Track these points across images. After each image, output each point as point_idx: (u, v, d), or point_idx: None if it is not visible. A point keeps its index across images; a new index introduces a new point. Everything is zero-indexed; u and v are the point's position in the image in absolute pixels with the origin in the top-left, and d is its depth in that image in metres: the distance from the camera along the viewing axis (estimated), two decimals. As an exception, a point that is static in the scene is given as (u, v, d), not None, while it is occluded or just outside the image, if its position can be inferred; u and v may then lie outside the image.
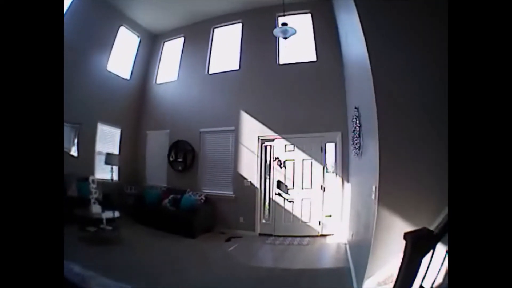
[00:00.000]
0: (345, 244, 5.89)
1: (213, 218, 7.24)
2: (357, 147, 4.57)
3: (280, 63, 7.28)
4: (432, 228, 2.88)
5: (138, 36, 8.68)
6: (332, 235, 6.63)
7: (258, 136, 7.14)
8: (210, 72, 8.03)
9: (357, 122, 4.46)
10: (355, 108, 4.62)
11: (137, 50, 8.72)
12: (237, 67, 7.61)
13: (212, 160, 7.75)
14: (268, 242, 6.39)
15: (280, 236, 6.66)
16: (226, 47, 8.07)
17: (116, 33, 8.00)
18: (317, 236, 6.61)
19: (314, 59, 7.02)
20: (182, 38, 8.63)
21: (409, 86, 2.95)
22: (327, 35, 6.92)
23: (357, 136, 4.46)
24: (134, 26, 8.45)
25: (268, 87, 7.21)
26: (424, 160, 2.92)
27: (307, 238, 6.46)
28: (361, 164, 4.40)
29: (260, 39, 7.43)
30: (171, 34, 8.84)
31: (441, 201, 2.73)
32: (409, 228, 2.84)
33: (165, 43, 9.06)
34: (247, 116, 7.27)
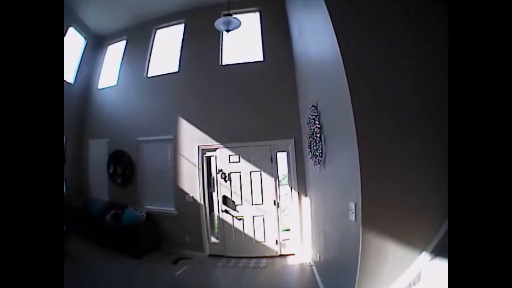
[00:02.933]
0: (311, 265, 4.88)
1: (158, 237, 6.10)
2: (317, 154, 3.58)
3: (223, 63, 6.08)
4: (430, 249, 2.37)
5: (85, 38, 7.40)
6: (293, 254, 5.58)
7: (198, 146, 5.88)
8: (149, 75, 6.73)
9: (316, 122, 3.46)
10: (312, 106, 3.65)
11: (83, 53, 7.44)
12: (176, 69, 6.35)
13: (151, 172, 6.46)
14: (220, 264, 5.32)
15: (233, 258, 5.56)
16: (168, 49, 6.82)
17: (65, 34, 6.69)
18: (275, 256, 5.55)
19: (261, 59, 5.89)
20: (125, 41, 7.38)
21: (387, 80, 2.44)
22: (276, 34, 5.90)
23: (318, 140, 3.46)
24: (82, 27, 7.17)
25: (208, 90, 6.01)
26: (416, 169, 2.39)
27: (264, 259, 5.41)
28: (325, 175, 3.57)
29: (202, 39, 6.24)
30: (115, 36, 7.55)
31: (440, 216, 2.36)
32: (404, 253, 2.38)
33: (109, 46, 7.78)
34: (186, 123, 6.00)
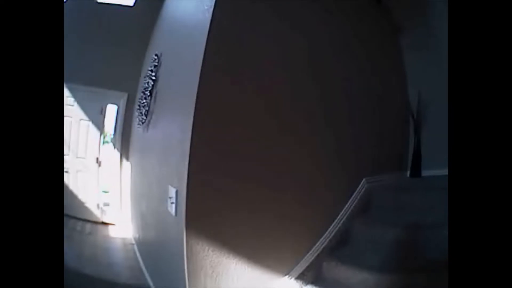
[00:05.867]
0: (133, 244, 4.15)
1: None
2: (143, 112, 2.87)
3: (99, 1, 5.31)
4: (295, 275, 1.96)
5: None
6: (114, 225, 4.82)
7: (47, 82, 5.27)
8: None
9: (153, 74, 2.76)
10: (155, 55, 2.90)
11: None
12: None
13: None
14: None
15: (65, 216, 4.65)
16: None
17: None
18: (98, 223, 4.82)
19: (131, 4, 5.13)
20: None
21: (257, 53, 1.93)
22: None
23: (148, 95, 2.75)
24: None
25: (78, 26, 5.19)
26: (281, 170, 1.91)
27: (89, 225, 4.71)
28: (148, 140, 2.91)
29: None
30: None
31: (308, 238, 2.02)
32: (258, 273, 1.83)
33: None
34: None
